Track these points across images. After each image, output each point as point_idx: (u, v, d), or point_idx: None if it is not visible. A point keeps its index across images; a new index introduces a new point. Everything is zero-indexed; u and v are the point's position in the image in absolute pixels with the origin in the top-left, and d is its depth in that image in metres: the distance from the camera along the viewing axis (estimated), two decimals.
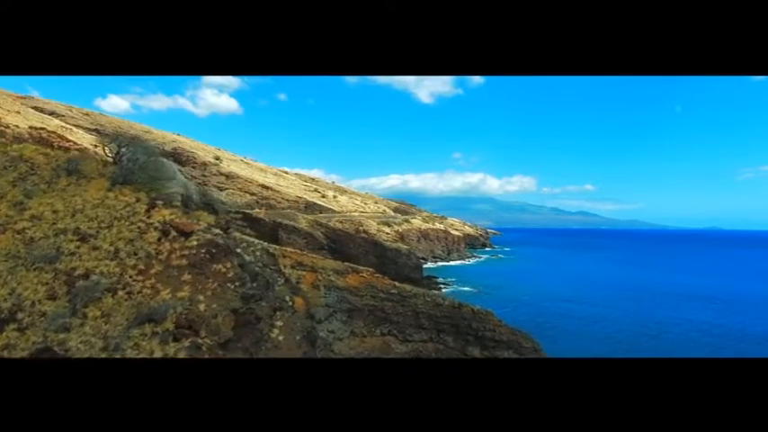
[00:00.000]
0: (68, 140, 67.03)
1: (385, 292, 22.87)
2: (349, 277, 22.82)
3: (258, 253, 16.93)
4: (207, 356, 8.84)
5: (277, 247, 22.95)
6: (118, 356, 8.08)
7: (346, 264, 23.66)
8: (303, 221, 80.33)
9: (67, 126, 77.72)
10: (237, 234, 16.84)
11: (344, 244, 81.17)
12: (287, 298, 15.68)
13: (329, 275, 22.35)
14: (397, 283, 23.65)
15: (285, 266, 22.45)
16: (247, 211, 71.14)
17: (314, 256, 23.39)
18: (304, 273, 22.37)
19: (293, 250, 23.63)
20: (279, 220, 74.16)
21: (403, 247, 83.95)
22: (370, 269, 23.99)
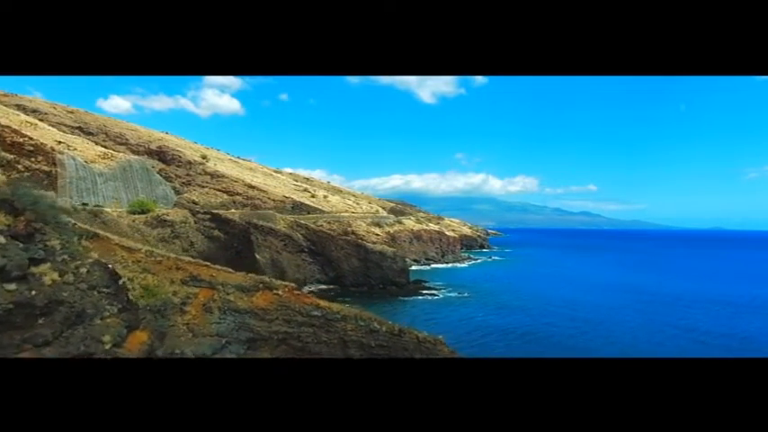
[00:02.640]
0: (24, 135, 62.64)
1: (304, 315, 17.78)
2: (257, 296, 17.74)
3: (84, 270, 11.93)
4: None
5: (165, 254, 17.91)
6: None
7: (258, 278, 18.59)
8: (282, 222, 75.54)
9: (33, 122, 73.18)
10: (57, 242, 11.93)
11: (326, 246, 76.39)
12: (104, 338, 10.64)
13: (229, 294, 17.27)
14: (321, 303, 18.56)
15: (174, 281, 17.41)
16: (216, 211, 66.14)
17: (217, 267, 18.31)
18: (197, 290, 17.32)
19: (191, 260, 18.57)
20: (253, 221, 69.24)
21: (388, 249, 78.81)
22: (290, 284, 18.89)
